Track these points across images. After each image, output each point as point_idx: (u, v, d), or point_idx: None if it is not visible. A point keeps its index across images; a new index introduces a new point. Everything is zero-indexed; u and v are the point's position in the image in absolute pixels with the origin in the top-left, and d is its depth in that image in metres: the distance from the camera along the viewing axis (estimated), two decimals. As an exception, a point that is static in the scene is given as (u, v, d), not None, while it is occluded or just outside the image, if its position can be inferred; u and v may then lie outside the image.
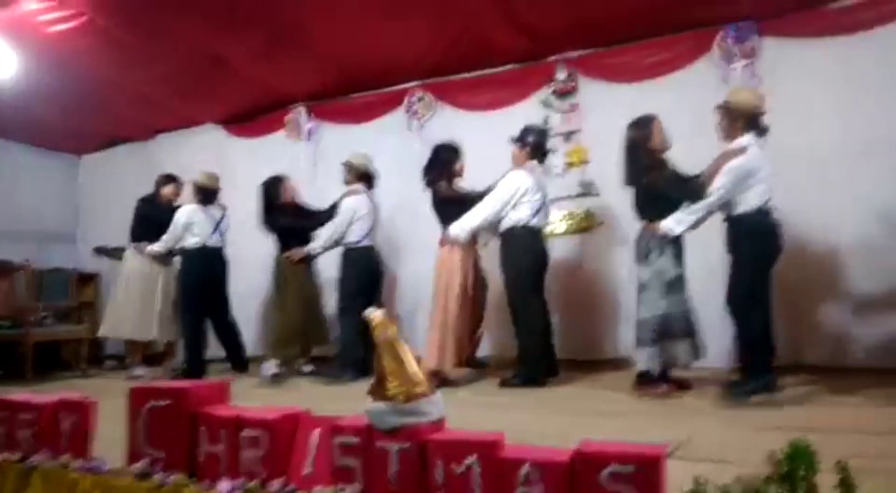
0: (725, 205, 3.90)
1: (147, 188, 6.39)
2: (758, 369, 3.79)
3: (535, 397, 4.19)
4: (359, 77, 6.08)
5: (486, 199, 4.72)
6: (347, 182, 5.48)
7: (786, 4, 4.70)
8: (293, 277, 5.56)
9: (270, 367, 5.37)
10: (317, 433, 2.23)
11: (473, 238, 4.90)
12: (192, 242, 5.84)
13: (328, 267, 5.65)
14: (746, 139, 3.85)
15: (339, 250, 5.48)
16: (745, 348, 3.90)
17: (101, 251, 7.09)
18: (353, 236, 5.36)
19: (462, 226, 4.75)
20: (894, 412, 3.33)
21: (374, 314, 2.06)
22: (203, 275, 5.82)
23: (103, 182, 7.88)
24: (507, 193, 4.64)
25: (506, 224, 4.67)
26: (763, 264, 3.85)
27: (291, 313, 5.48)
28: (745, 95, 3.96)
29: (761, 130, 3.88)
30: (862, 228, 4.47)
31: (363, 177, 5.47)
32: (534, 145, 4.75)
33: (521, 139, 4.76)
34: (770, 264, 3.87)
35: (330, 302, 5.66)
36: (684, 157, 4.26)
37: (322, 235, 5.51)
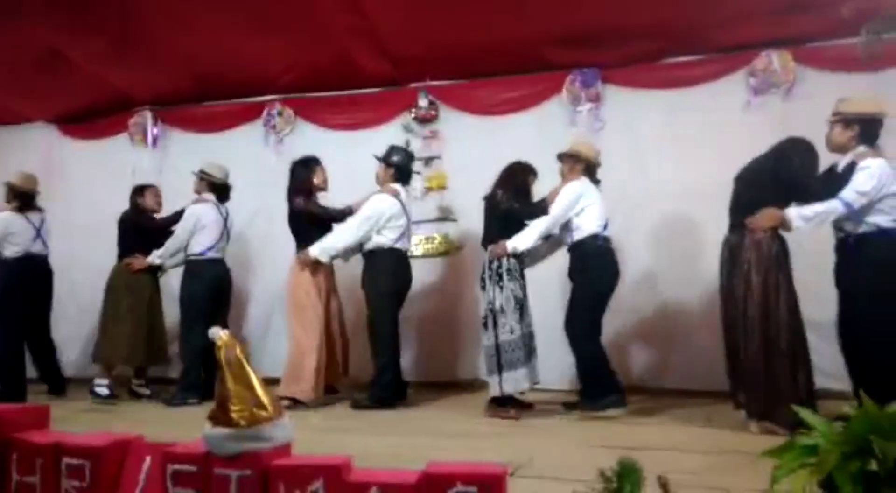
0: (564, 229, 4.26)
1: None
2: (598, 390, 4.08)
3: (387, 421, 4.19)
4: (215, 86, 5.84)
5: (350, 221, 4.71)
6: (197, 191, 5.21)
7: (626, 57, 5.13)
8: (132, 287, 5.20)
9: (102, 386, 4.96)
10: (148, 460, 2.08)
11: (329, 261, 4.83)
12: (11, 251, 5.25)
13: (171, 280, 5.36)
14: (581, 180, 4.29)
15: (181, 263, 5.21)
16: (584, 372, 4.16)
17: None
18: (198, 247, 5.09)
19: (323, 247, 4.71)
20: (711, 432, 3.66)
21: (220, 333, 1.97)
22: (25, 286, 5.23)
23: None
24: (372, 216, 4.64)
25: (370, 246, 4.69)
26: (600, 289, 4.19)
27: (127, 326, 5.10)
28: (587, 148, 4.41)
29: (595, 181, 4.36)
30: (685, 263, 4.91)
31: (217, 188, 5.21)
32: (399, 166, 4.81)
33: (385, 159, 4.81)
34: (607, 290, 4.20)
35: (171, 318, 5.36)
36: (536, 189, 4.52)
37: (166, 244, 5.18)
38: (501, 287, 4.20)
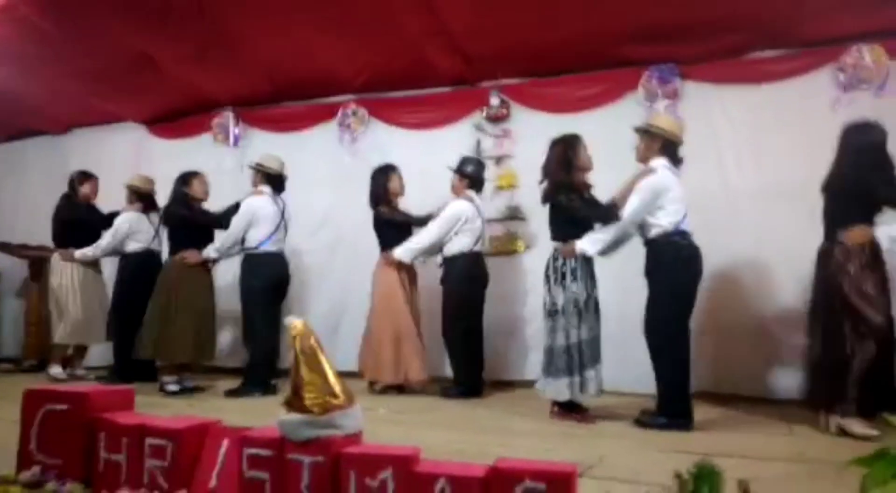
0: (639, 225, 3.94)
1: (56, 183, 6.07)
2: (673, 407, 3.79)
3: (455, 417, 4.21)
4: (291, 86, 6.01)
5: (430, 225, 5.00)
6: (254, 184, 5.29)
7: (706, 52, 4.96)
8: (187, 282, 5.18)
9: (170, 382, 5.11)
10: (226, 443, 2.15)
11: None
12: (133, 247, 5.64)
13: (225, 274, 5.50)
14: (658, 162, 3.94)
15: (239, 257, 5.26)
16: (662, 382, 3.86)
17: (3, 248, 6.68)
18: (254, 241, 5.10)
19: (407, 248, 5.02)
20: (792, 440, 3.53)
21: (295, 322, 2.02)
22: (145, 280, 5.37)
23: (9, 175, 7.44)
24: (450, 221, 4.95)
25: (450, 250, 4.97)
26: (681, 289, 3.84)
27: (182, 322, 5.07)
28: (666, 122, 4.06)
29: (676, 159, 3.99)
30: (768, 268, 4.72)
31: (273, 180, 5.25)
32: (472, 176, 5.06)
33: (459, 170, 5.04)
34: (689, 290, 3.86)
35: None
36: (605, 189, 4.39)
37: (222, 237, 5.22)
38: (564, 288, 3.97)
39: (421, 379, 4.97)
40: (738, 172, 4.87)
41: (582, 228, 4.07)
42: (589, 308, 3.99)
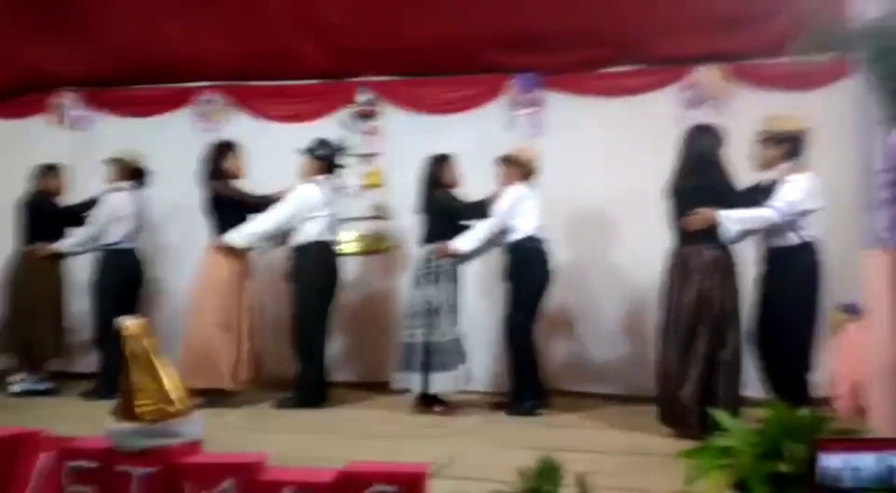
0: (503, 232, 4.30)
1: None
2: (528, 392, 4.18)
3: (308, 420, 4.11)
4: (145, 68, 5.58)
5: (273, 208, 4.59)
6: (113, 179, 5.00)
7: (567, 63, 5.17)
8: (35, 276, 4.95)
9: (14, 383, 4.83)
10: (45, 456, 1.95)
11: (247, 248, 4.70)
12: None
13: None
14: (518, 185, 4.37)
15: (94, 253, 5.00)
16: (517, 372, 4.24)
17: None
18: (112, 237, 4.90)
19: (242, 233, 4.57)
20: (631, 435, 3.74)
21: (128, 323, 1.87)
22: None
23: None
24: (295, 205, 4.55)
25: (298, 239, 4.58)
26: (535, 291, 4.27)
27: (29, 318, 4.87)
28: (525, 153, 4.51)
29: (532, 186, 4.42)
30: (614, 270, 5.00)
31: (133, 174, 5.00)
32: (324, 158, 4.74)
33: (311, 150, 4.74)
34: (541, 292, 4.29)
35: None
36: (469, 190, 4.55)
37: (78, 232, 4.97)
38: (438, 288, 4.24)
39: (248, 381, 4.57)
40: (590, 180, 5.11)
41: (454, 231, 4.36)
42: (457, 307, 4.30)
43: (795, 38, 2.73)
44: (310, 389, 4.48)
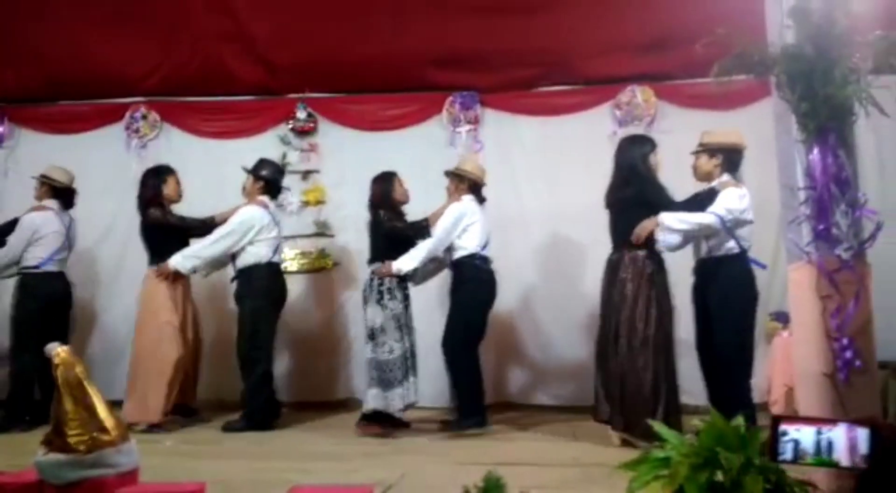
0: (446, 247, 4.33)
1: None
2: (471, 408, 4.18)
3: (250, 443, 4.01)
4: (71, 83, 5.38)
5: (216, 232, 4.50)
6: (38, 197, 4.75)
7: (503, 82, 5.29)
8: None
9: None
10: (-33, 493, 1.84)
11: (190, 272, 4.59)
12: None
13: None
14: (466, 198, 4.39)
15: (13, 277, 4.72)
16: (459, 389, 4.26)
17: None
18: (33, 260, 4.62)
19: (186, 255, 4.49)
20: (575, 446, 3.80)
21: (57, 350, 1.79)
22: None
23: None
24: (241, 226, 4.46)
25: (245, 261, 4.50)
26: (478, 307, 4.30)
27: None
28: (472, 166, 4.54)
29: (481, 198, 4.46)
30: (556, 282, 5.10)
31: (60, 194, 4.75)
32: (268, 180, 4.66)
33: (255, 171, 4.64)
34: (485, 309, 4.33)
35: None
36: (411, 206, 4.55)
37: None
38: (383, 306, 4.26)
39: (189, 405, 4.54)
40: (530, 195, 5.22)
41: (398, 249, 4.34)
42: (405, 325, 4.31)
43: (718, 60, 2.87)
44: (258, 411, 4.39)
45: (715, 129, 3.99)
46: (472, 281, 4.30)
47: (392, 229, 4.34)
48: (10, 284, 4.80)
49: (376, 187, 4.44)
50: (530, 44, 4.89)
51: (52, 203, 4.74)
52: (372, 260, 4.39)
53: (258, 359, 4.43)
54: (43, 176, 4.75)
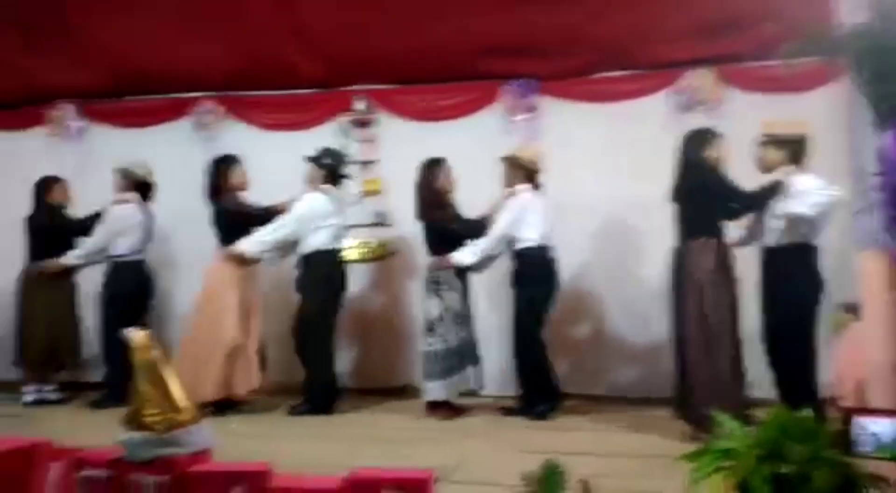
0: (508, 240, 4.37)
1: None
2: (537, 397, 4.25)
3: (314, 427, 4.13)
4: (143, 80, 5.61)
5: (282, 218, 4.63)
6: (119, 190, 5.04)
7: (562, 69, 5.21)
8: (46, 290, 5.00)
9: (28, 393, 4.90)
10: (56, 466, 1.96)
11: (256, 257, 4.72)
12: None
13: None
14: (522, 187, 4.40)
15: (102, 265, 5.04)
16: (526, 378, 4.33)
17: None
18: (120, 249, 4.95)
19: (256, 240, 4.61)
20: (637, 437, 3.78)
21: (135, 335, 1.89)
22: None
23: None
24: (306, 213, 4.59)
25: (306, 248, 4.61)
26: (542, 297, 4.34)
27: (42, 330, 4.94)
28: (527, 153, 4.54)
29: (536, 185, 4.47)
30: (617, 272, 5.03)
31: (140, 187, 5.06)
32: (330, 168, 4.77)
33: (317, 160, 4.76)
34: (549, 299, 4.37)
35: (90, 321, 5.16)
36: (467, 196, 4.58)
37: (85, 244, 5.00)
38: (440, 297, 4.36)
39: (250, 390, 4.55)
40: (589, 183, 5.14)
41: (454, 242, 4.44)
42: (463, 315, 4.40)
43: (785, 42, 2.77)
44: (319, 396, 4.50)
45: (778, 118, 3.88)
46: (536, 272, 4.34)
47: (444, 231, 4.44)
48: (90, 271, 5.11)
49: (419, 177, 4.52)
50: (589, 29, 4.79)
51: (133, 196, 5.01)
52: (430, 253, 4.49)
53: (320, 344, 4.54)
54: (124, 170, 5.02)
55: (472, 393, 4.41)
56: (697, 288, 3.74)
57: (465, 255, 4.37)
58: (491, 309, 4.89)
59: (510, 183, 4.47)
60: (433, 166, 4.56)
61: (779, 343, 3.70)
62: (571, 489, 1.70)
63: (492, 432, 3.98)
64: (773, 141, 3.77)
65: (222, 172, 4.80)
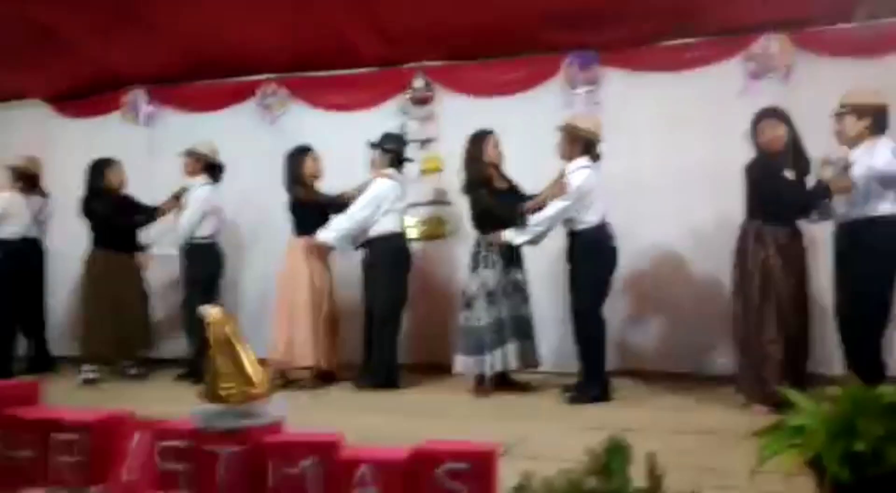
0: (568, 221, 4.26)
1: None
2: (594, 376, 4.16)
3: (380, 401, 4.23)
4: (206, 64, 5.76)
5: (355, 205, 4.76)
6: (191, 172, 5.19)
7: (624, 39, 5.07)
8: (109, 274, 5.18)
9: (88, 371, 5.04)
10: (138, 436, 2.08)
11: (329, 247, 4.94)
12: (7, 232, 5.34)
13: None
14: (580, 161, 4.24)
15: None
16: (586, 357, 4.24)
17: None
18: (206, 230, 5.15)
19: (334, 229, 4.79)
20: (704, 414, 3.72)
21: (211, 311, 1.97)
22: (19, 267, 5.32)
23: None
24: (377, 200, 4.73)
25: (377, 230, 4.76)
26: (601, 274, 4.25)
27: (101, 314, 5.12)
28: (587, 122, 4.35)
29: (595, 156, 4.29)
30: (684, 249, 4.92)
31: (209, 168, 5.19)
32: (393, 152, 4.86)
33: (380, 145, 4.84)
34: (608, 275, 4.27)
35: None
36: (527, 171, 4.53)
37: (181, 228, 5.14)
38: (477, 274, 4.35)
39: (329, 366, 4.82)
40: (654, 156, 5.02)
41: (495, 219, 4.38)
42: (498, 292, 4.31)
43: (861, 2, 2.62)
44: (389, 371, 4.66)
45: (856, 88, 3.67)
46: (594, 247, 4.23)
47: (487, 209, 4.39)
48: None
49: (465, 150, 4.49)
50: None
51: (205, 178, 5.14)
52: (474, 228, 4.49)
53: (390, 322, 4.71)
54: (196, 152, 5.13)
55: (532, 370, 4.38)
56: (764, 266, 3.67)
57: (516, 234, 4.31)
58: (550, 286, 4.84)
59: (568, 154, 4.28)
60: (479, 139, 4.50)
61: (849, 320, 3.59)
62: (637, 464, 1.69)
63: (554, 408, 3.99)
64: (856, 111, 3.58)
65: (295, 163, 4.97)
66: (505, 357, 4.31)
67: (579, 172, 4.21)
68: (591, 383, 4.14)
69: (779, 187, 3.71)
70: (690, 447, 2.89)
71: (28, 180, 5.45)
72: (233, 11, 5.05)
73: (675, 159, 4.93)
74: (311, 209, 4.93)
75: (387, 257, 4.76)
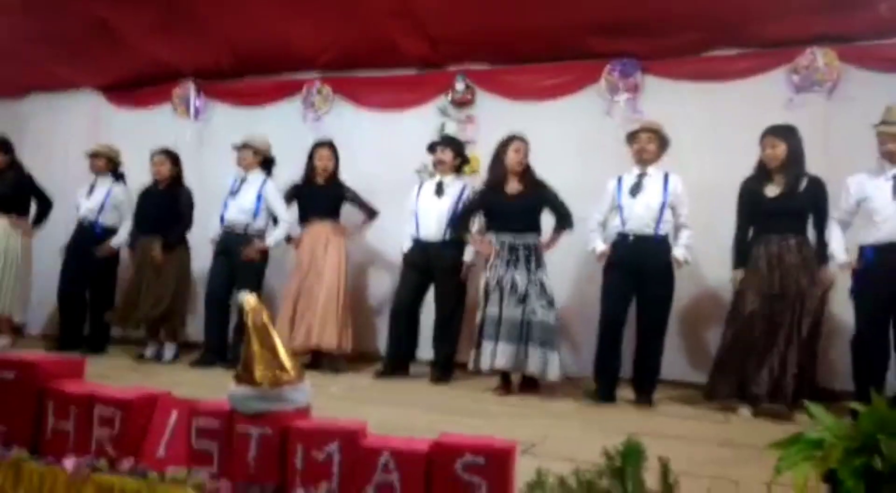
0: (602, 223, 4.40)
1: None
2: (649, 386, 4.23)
3: (405, 395, 4.29)
4: (254, 60, 5.93)
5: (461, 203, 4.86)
6: (247, 165, 5.24)
7: (667, 48, 5.07)
8: (169, 258, 5.35)
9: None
10: (175, 414, 2.18)
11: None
12: (111, 219, 5.67)
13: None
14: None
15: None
16: (652, 369, 4.27)
17: None
18: (261, 223, 5.27)
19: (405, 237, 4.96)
20: (726, 426, 3.71)
21: (248, 299, 2.05)
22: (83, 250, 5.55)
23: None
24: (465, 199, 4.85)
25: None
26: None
27: (163, 292, 5.29)
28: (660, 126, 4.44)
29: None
30: (715, 259, 4.86)
31: (264, 162, 5.30)
32: (461, 155, 5.00)
33: (451, 147, 4.96)
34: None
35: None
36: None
37: (286, 221, 5.25)
38: (486, 270, 4.43)
39: (332, 348, 4.94)
40: (695, 167, 4.97)
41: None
42: (494, 290, 4.32)
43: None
44: (447, 366, 4.79)
45: None
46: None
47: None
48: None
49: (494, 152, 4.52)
50: (699, 6, 4.61)
51: (262, 172, 5.25)
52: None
53: (455, 321, 4.85)
54: (251, 144, 5.21)
55: (493, 371, 4.35)
56: (788, 281, 3.75)
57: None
58: (570, 292, 4.86)
59: (657, 159, 4.32)
60: (503, 144, 4.52)
61: (861, 337, 3.67)
62: (650, 467, 1.72)
63: (578, 411, 4.00)
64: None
65: (311, 156, 5.15)
66: (496, 357, 4.26)
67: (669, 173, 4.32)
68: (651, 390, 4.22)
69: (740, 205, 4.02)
70: (708, 457, 2.88)
71: (115, 168, 5.68)
72: (280, 10, 5.17)
73: (716, 170, 4.87)
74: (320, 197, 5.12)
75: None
